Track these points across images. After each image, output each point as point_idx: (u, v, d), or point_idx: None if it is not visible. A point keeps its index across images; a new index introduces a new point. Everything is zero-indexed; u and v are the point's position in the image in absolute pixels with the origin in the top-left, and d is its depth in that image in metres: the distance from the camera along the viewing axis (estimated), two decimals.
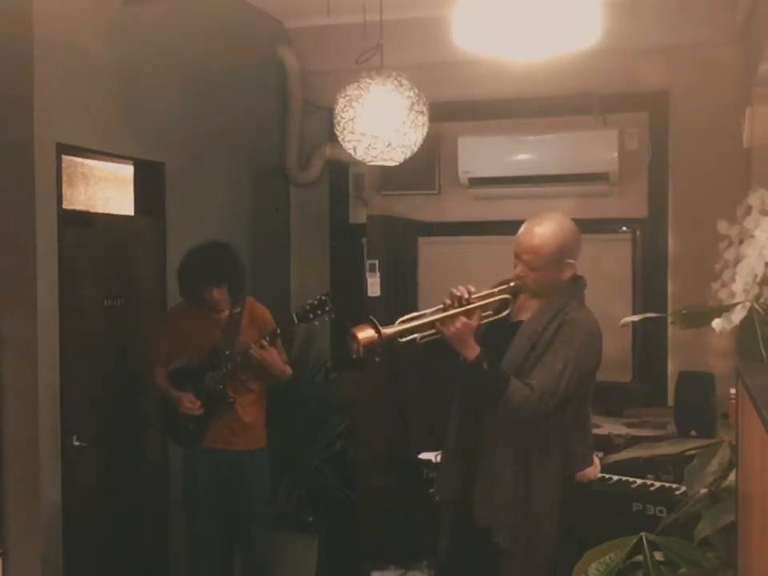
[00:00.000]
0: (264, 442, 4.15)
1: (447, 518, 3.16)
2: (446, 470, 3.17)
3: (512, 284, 2.99)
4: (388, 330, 2.81)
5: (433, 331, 2.89)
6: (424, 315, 2.89)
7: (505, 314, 2.99)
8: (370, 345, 2.80)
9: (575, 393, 2.93)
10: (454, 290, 2.89)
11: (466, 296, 2.88)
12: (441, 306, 2.90)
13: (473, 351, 2.85)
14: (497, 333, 2.99)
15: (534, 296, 3.02)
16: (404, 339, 2.85)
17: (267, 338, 3.95)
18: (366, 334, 2.81)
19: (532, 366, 2.90)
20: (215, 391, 3.99)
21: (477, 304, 2.91)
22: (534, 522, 2.92)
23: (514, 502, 2.91)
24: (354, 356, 2.84)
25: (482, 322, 2.94)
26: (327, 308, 3.93)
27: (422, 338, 2.88)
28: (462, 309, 2.87)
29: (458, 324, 2.83)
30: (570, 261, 2.99)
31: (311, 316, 3.94)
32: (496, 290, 2.98)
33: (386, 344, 2.81)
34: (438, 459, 3.39)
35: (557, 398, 2.86)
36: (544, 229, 2.97)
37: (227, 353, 3.98)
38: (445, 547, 3.18)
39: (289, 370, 4.10)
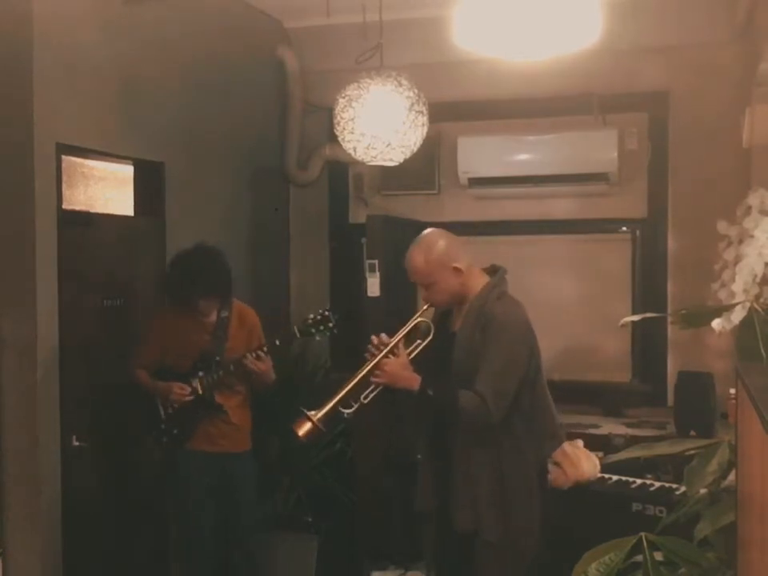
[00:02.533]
0: (249, 445, 4.14)
1: (430, 526, 3.30)
2: (424, 484, 3.23)
3: (425, 307, 3.16)
4: (319, 414, 3.05)
5: (372, 387, 3.06)
6: (353, 377, 3.07)
7: (430, 337, 3.12)
8: (311, 435, 3.08)
9: (523, 381, 3.01)
10: (371, 343, 3.07)
11: (383, 340, 3.06)
12: (367, 362, 3.07)
13: (414, 382, 2.99)
14: (442, 346, 3.10)
15: (459, 304, 3.12)
16: (350, 410, 3.05)
17: (265, 349, 3.92)
18: (303, 429, 3.08)
19: (475, 371, 2.97)
20: (204, 396, 3.98)
21: (394, 340, 3.07)
22: (514, 513, 2.99)
23: (495, 501, 2.98)
24: (300, 444, 3.24)
25: (415, 351, 3.10)
26: (330, 324, 3.93)
27: (365, 397, 3.05)
28: (383, 352, 3.04)
29: (386, 367, 3.01)
30: (455, 265, 3.07)
31: (313, 330, 3.93)
32: (411, 319, 3.14)
33: (326, 423, 3.06)
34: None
35: (506, 396, 2.95)
36: (414, 250, 3.13)
37: (217, 359, 3.97)
38: (431, 553, 3.28)
39: (273, 377, 4.08)
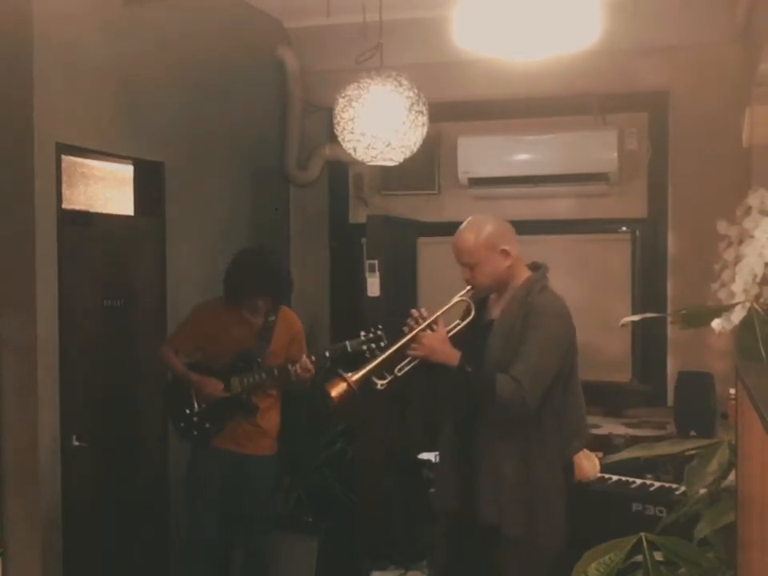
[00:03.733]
0: (275, 449, 4.12)
1: (445, 526, 3.22)
2: (444, 481, 3.18)
3: (458, 297, 3.12)
4: (355, 376, 2.96)
5: (408, 360, 3.00)
6: (390, 347, 3.03)
7: (471, 317, 3.09)
8: (344, 397, 2.97)
9: (558, 375, 2.99)
10: (410, 313, 3.03)
11: (423, 313, 3.02)
12: (404, 334, 3.01)
13: (453, 358, 2.95)
14: (476, 334, 3.08)
15: (498, 291, 3.12)
16: (383, 382, 2.98)
17: (313, 359, 3.88)
18: (337, 389, 2.97)
19: (511, 360, 2.94)
20: (240, 396, 3.96)
21: (435, 315, 3.02)
22: (541, 509, 2.95)
23: (520, 495, 2.94)
24: (332, 407, 3.05)
25: (454, 330, 3.06)
26: (382, 343, 3.83)
27: (399, 369, 3.00)
28: (422, 325, 2.99)
29: (424, 340, 2.96)
30: (504, 247, 3.07)
31: (364, 348, 3.85)
32: (453, 300, 3.12)
33: (361, 388, 2.96)
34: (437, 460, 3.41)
35: (541, 385, 2.93)
36: (465, 229, 3.12)
37: (259, 360, 3.96)
38: (443, 552, 3.23)
39: (308, 383, 4.05)
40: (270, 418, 4.08)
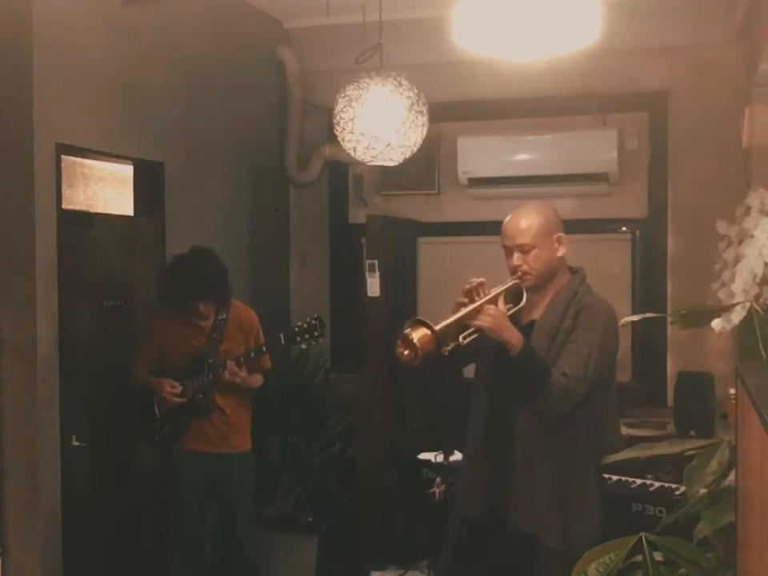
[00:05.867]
0: (249, 445, 4.13)
1: (464, 532, 3.02)
2: (471, 485, 3.01)
3: (512, 281, 2.91)
4: (439, 326, 2.68)
5: (471, 330, 2.78)
6: (457, 312, 2.77)
7: (523, 302, 2.92)
8: (427, 348, 2.66)
9: (600, 379, 2.89)
10: (468, 285, 2.82)
11: (482, 284, 2.81)
12: (459, 308, 2.79)
13: (518, 337, 2.77)
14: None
15: (537, 290, 2.96)
16: (448, 348, 2.74)
17: (242, 359, 3.91)
18: (419, 333, 2.66)
19: (553, 359, 2.83)
20: (194, 399, 3.97)
21: (497, 290, 2.83)
22: (576, 518, 2.86)
23: (557, 502, 2.84)
24: (412, 364, 2.70)
25: (510, 312, 2.86)
26: (316, 333, 3.88)
27: (464, 338, 2.78)
28: (486, 297, 2.79)
29: (491, 311, 2.76)
30: (560, 234, 2.97)
31: (298, 339, 3.90)
32: (508, 282, 2.92)
33: (440, 343, 2.69)
34: (449, 461, 3.23)
35: (585, 384, 2.81)
36: (526, 211, 2.98)
37: (210, 361, 3.96)
38: (452, 559, 3.06)
39: (259, 382, 4.06)
40: (241, 414, 4.08)
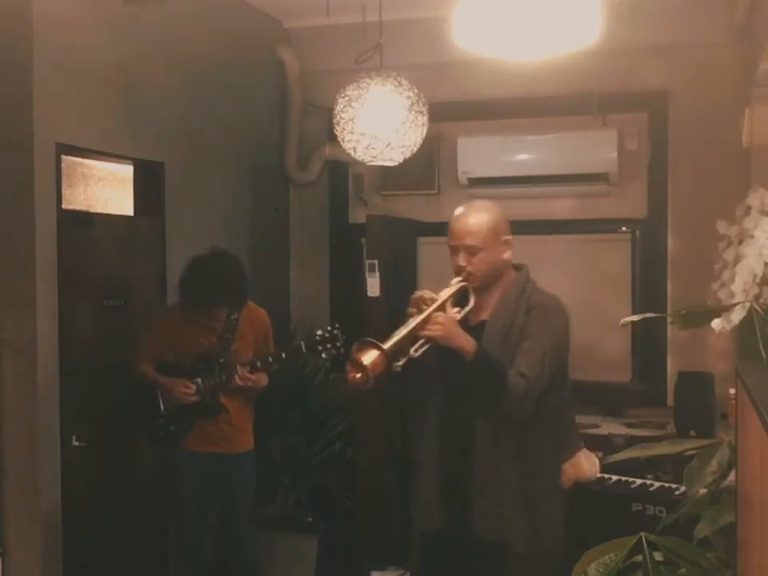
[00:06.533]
0: (251, 445, 4.12)
1: (427, 545, 3.00)
2: (429, 498, 2.94)
3: (457, 284, 2.87)
4: (389, 344, 2.64)
5: (422, 342, 2.74)
6: (399, 332, 2.73)
7: (471, 306, 2.87)
8: (379, 369, 2.61)
9: (556, 376, 2.87)
10: (414, 296, 2.81)
11: (428, 295, 2.80)
12: (414, 316, 2.77)
13: (470, 343, 2.73)
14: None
15: (483, 290, 2.91)
16: (399, 364, 2.69)
17: (259, 364, 3.90)
18: (369, 357, 2.60)
19: (508, 358, 2.79)
20: (203, 398, 3.97)
21: (443, 297, 2.80)
22: (543, 519, 2.84)
23: (525, 502, 2.81)
24: (365, 386, 2.64)
25: (459, 315, 2.83)
26: (338, 343, 3.85)
27: (415, 350, 2.73)
28: (434, 306, 2.77)
29: (440, 319, 2.73)
30: (507, 237, 2.92)
31: (320, 348, 3.88)
32: (453, 285, 2.87)
33: (391, 360, 2.64)
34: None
35: (542, 383, 2.79)
36: (471, 211, 2.93)
37: (221, 360, 3.96)
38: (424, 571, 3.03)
39: (265, 382, 4.03)
40: (244, 415, 4.08)
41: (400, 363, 2.69)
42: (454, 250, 2.92)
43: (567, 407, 3.02)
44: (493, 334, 2.86)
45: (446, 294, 2.82)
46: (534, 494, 2.83)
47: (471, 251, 2.87)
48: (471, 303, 2.88)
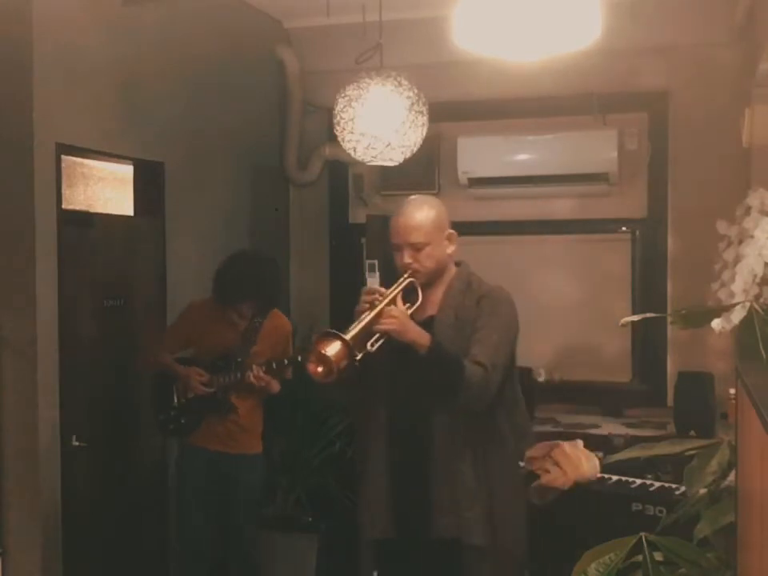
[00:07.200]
0: (260, 448, 4.12)
1: (383, 552, 2.96)
2: (376, 499, 2.87)
3: (405, 280, 2.85)
4: (350, 335, 2.63)
5: (377, 336, 2.72)
6: (355, 325, 2.70)
7: (420, 300, 2.85)
8: (342, 359, 2.59)
9: (509, 363, 2.88)
10: (365, 293, 2.80)
11: (379, 289, 2.80)
12: (367, 311, 2.75)
13: (425, 336, 2.72)
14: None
15: (427, 286, 2.90)
16: (358, 357, 2.66)
17: (274, 365, 3.90)
18: (333, 348, 2.58)
19: (462, 350, 2.77)
20: (217, 395, 3.97)
21: (394, 292, 2.79)
22: (502, 511, 2.82)
23: (480, 500, 2.79)
24: (329, 380, 2.62)
25: (409, 311, 2.81)
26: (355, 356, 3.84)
27: (371, 344, 2.71)
28: (385, 300, 2.74)
29: (394, 313, 2.72)
30: (451, 231, 2.93)
31: None
32: (402, 280, 2.86)
33: (352, 354, 2.63)
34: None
35: (499, 370, 2.79)
36: (414, 207, 2.92)
37: (239, 360, 3.96)
38: None
39: (277, 388, 4.02)
40: (254, 417, 4.08)
41: (358, 357, 2.66)
42: (398, 248, 2.92)
43: (519, 406, 3.01)
44: (444, 327, 2.85)
45: (397, 288, 2.82)
46: (491, 485, 2.81)
47: (417, 247, 2.87)
48: (420, 298, 2.87)
